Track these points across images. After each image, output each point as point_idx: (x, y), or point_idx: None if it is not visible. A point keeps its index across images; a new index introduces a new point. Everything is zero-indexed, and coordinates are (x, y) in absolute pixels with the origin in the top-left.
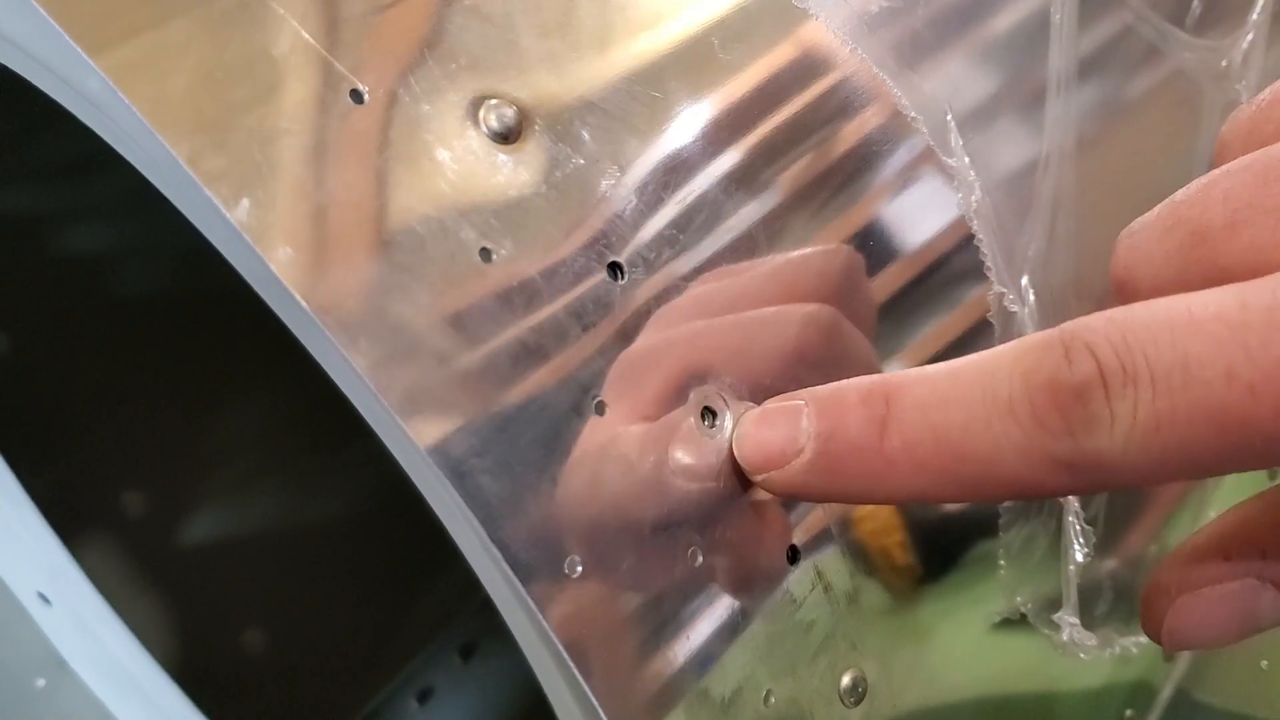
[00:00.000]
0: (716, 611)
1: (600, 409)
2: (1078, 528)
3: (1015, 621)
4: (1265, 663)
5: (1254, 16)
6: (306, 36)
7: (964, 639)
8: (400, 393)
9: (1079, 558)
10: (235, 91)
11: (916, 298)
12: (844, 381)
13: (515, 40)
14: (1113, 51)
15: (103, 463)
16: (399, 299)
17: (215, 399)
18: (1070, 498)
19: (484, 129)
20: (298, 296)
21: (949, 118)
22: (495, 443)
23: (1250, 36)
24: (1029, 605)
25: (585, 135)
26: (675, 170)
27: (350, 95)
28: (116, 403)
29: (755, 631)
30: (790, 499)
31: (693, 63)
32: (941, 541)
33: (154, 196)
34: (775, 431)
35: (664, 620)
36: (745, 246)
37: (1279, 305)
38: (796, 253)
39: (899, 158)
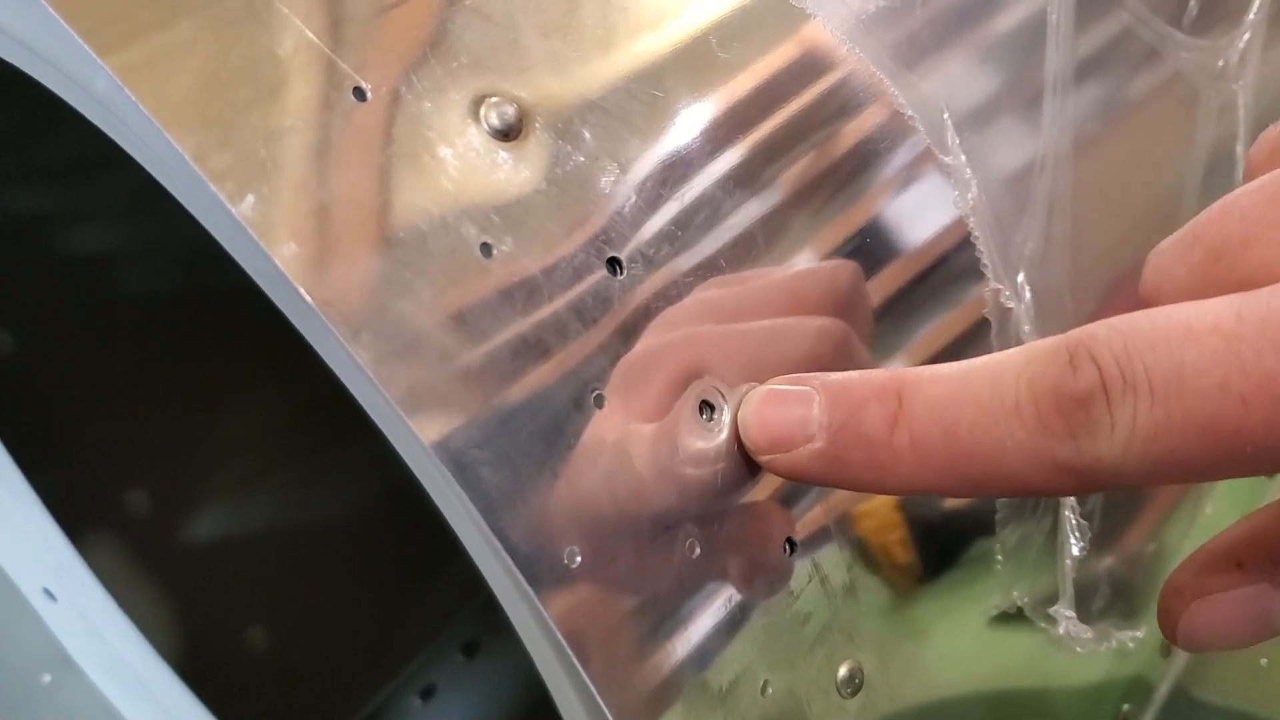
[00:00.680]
0: (714, 603)
1: (600, 402)
2: (1074, 522)
3: (1013, 617)
4: (1264, 660)
5: (1250, 17)
6: (310, 35)
7: (962, 634)
8: (402, 386)
9: (1075, 552)
10: (240, 90)
11: (914, 294)
12: (855, 374)
13: (516, 39)
14: (1109, 52)
15: (106, 461)
16: (401, 294)
17: (218, 398)
18: None
19: (485, 126)
20: (302, 291)
21: (945, 116)
22: (496, 435)
23: (1247, 37)
24: (1025, 599)
25: (585, 133)
26: (674, 168)
27: (353, 93)
28: (120, 402)
29: (752, 623)
30: (791, 481)
31: (692, 62)
32: (940, 539)
33: (158, 197)
34: (784, 414)
35: (662, 611)
36: (744, 244)
37: (1273, 317)
38: (804, 266)
39: (896, 156)
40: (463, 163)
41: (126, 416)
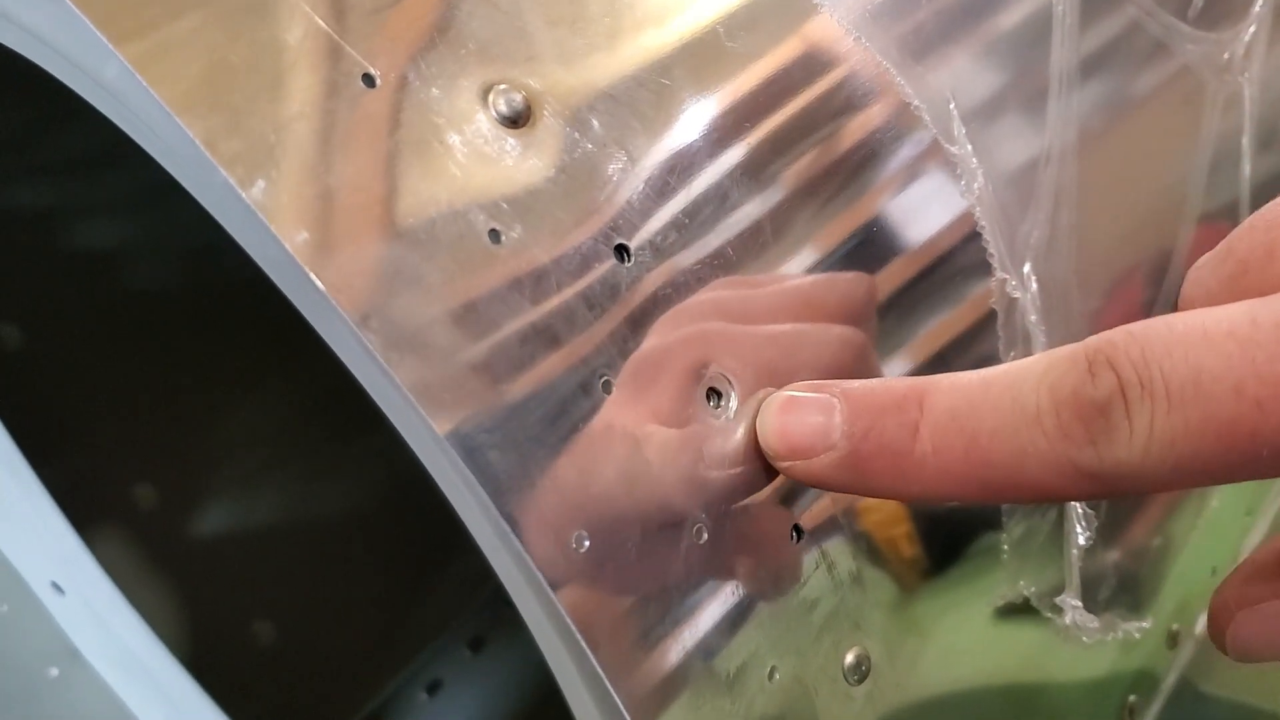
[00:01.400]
0: (722, 589)
1: (608, 389)
2: (1079, 511)
3: (1019, 609)
4: None
5: (1256, 9)
6: (320, 22)
7: (969, 627)
8: (411, 371)
9: (1081, 541)
10: (250, 77)
11: (920, 284)
12: (875, 382)
13: (524, 27)
14: (1115, 45)
15: (114, 455)
16: (409, 280)
17: (226, 393)
18: None
19: (493, 113)
20: (313, 276)
21: (952, 106)
22: (504, 420)
23: (1253, 29)
24: (1032, 589)
25: (594, 121)
26: (683, 156)
27: (362, 79)
28: (127, 396)
29: (759, 609)
30: (810, 487)
31: (700, 52)
32: (946, 533)
33: (165, 192)
34: (804, 422)
35: (670, 597)
36: (752, 234)
37: None
38: (820, 270)
39: (903, 147)
40: (471, 149)
41: (134, 411)
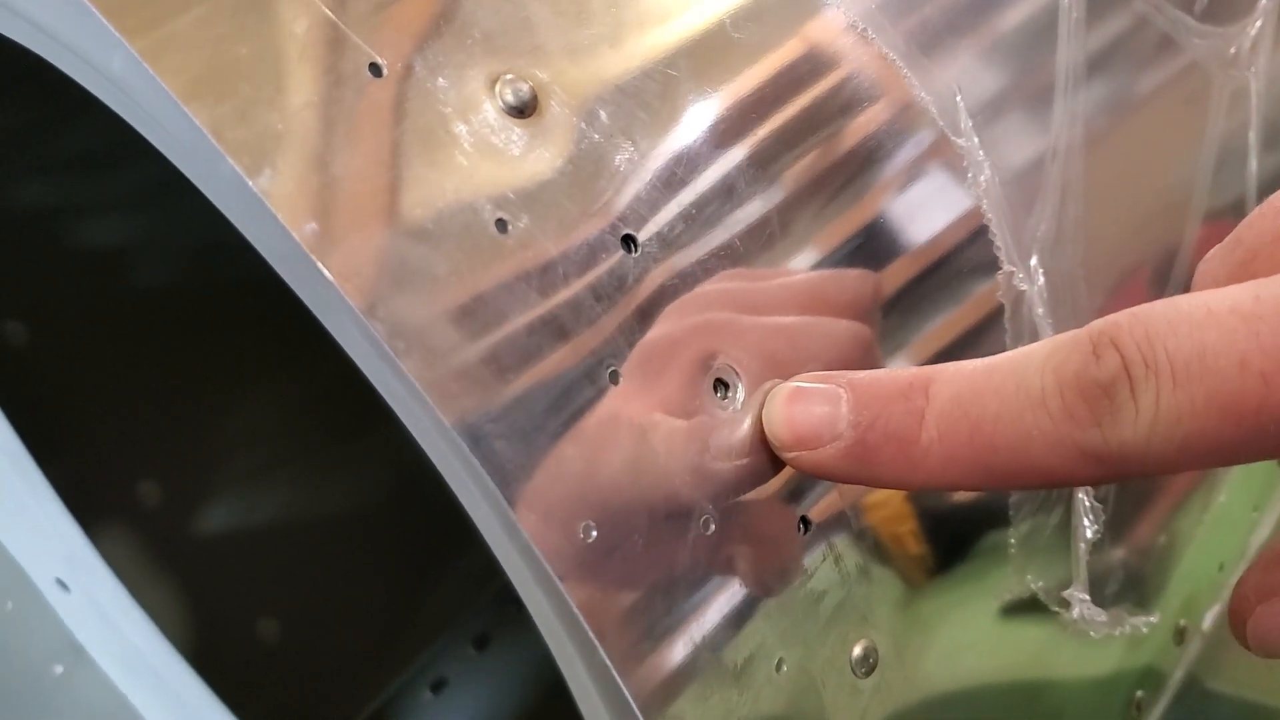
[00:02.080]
0: (729, 580)
1: (615, 379)
2: (1087, 504)
3: (1026, 605)
4: None
5: (1263, 3)
6: (327, 12)
7: (976, 623)
8: (417, 360)
9: (1089, 534)
10: (258, 66)
11: (928, 278)
12: (881, 372)
13: (530, 17)
14: (1121, 39)
15: (119, 452)
16: (416, 269)
17: (231, 390)
18: None
19: (500, 103)
20: (319, 264)
21: (959, 99)
22: (511, 409)
23: (1259, 23)
24: (1039, 584)
25: (601, 111)
26: (690, 148)
27: (369, 69)
28: (133, 393)
29: (767, 600)
30: (816, 478)
31: (707, 44)
32: (953, 529)
33: (170, 190)
34: (810, 412)
35: (677, 587)
36: (760, 226)
37: None
38: (827, 267)
39: (910, 141)
40: (478, 139)
41: (138, 408)
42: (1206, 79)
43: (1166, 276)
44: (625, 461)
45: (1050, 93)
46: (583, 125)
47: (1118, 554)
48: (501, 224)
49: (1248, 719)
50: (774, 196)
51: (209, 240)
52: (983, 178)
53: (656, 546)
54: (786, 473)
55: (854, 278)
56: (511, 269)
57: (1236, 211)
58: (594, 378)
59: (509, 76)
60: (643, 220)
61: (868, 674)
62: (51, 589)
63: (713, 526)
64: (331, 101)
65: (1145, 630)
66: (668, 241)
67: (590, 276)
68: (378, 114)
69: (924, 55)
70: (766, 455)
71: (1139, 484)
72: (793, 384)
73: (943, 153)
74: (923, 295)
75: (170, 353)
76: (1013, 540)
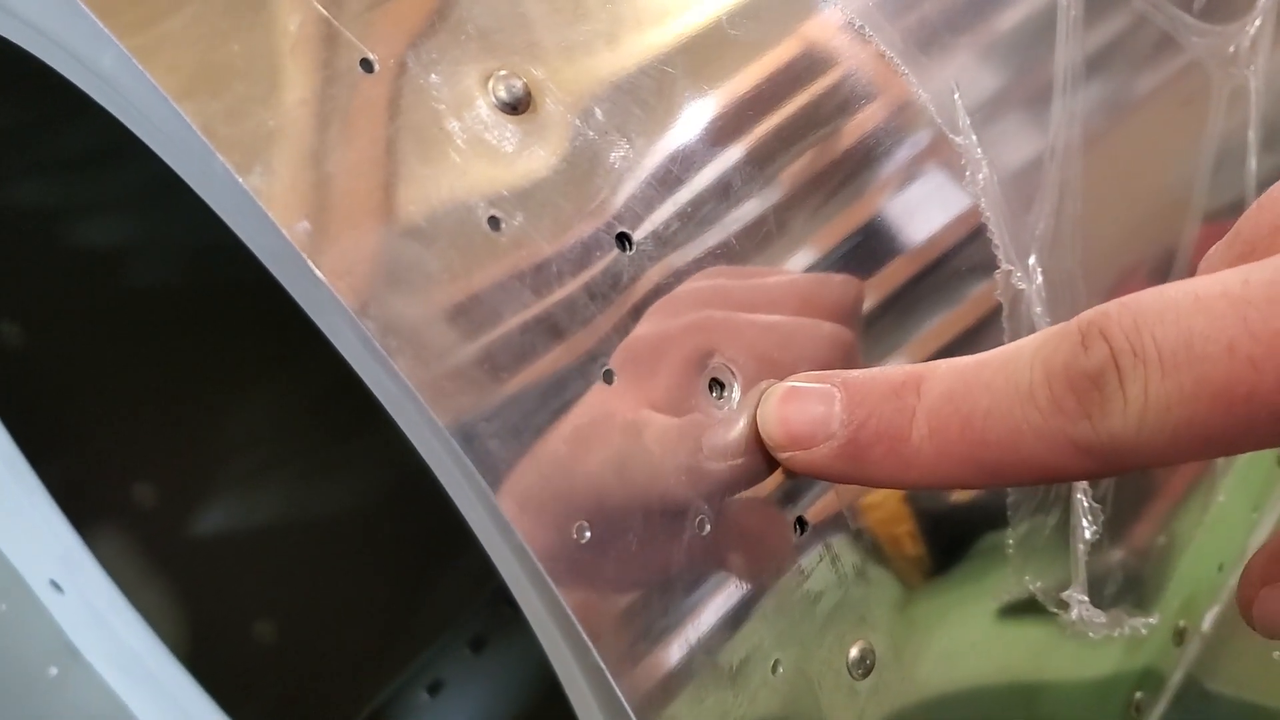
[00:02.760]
0: (724, 581)
1: (609, 377)
2: (1085, 504)
3: (1025, 606)
4: (1278, 653)
5: (1262, 1)
6: (319, 8)
7: (974, 624)
8: (409, 359)
9: (1087, 535)
10: (248, 62)
11: (925, 277)
12: (875, 371)
13: (525, 14)
14: (1120, 37)
15: (114, 454)
16: (408, 267)
17: (227, 392)
18: None
19: (493, 99)
20: (310, 263)
21: (956, 96)
22: (504, 408)
23: (1258, 22)
24: (1037, 584)
25: (595, 108)
26: (685, 145)
27: (361, 64)
28: (128, 395)
29: (763, 601)
30: (810, 478)
31: (703, 41)
32: (951, 531)
33: (166, 190)
34: (805, 412)
35: (672, 588)
36: (757, 225)
37: (1279, 280)
38: (816, 270)
39: (909, 139)
40: (471, 136)
41: (134, 409)
42: (1205, 78)
43: (1165, 275)
44: (619, 461)
45: (1049, 91)
46: (578, 122)
47: (1117, 555)
48: (495, 222)
49: None
50: (770, 195)
51: (205, 240)
52: (980, 176)
53: (651, 547)
54: (782, 473)
55: (839, 282)
56: (505, 267)
57: (1236, 211)
58: (588, 377)
59: (503, 73)
60: (638, 218)
61: (865, 675)
62: (46, 591)
63: (708, 527)
64: (323, 98)
65: (1144, 631)
66: (663, 240)
67: (584, 275)
68: (370, 111)
69: (922, 53)
70: (762, 455)
71: (1138, 484)
72: (787, 384)
73: (941, 151)
74: (920, 294)
75: (167, 353)
76: (1011, 541)
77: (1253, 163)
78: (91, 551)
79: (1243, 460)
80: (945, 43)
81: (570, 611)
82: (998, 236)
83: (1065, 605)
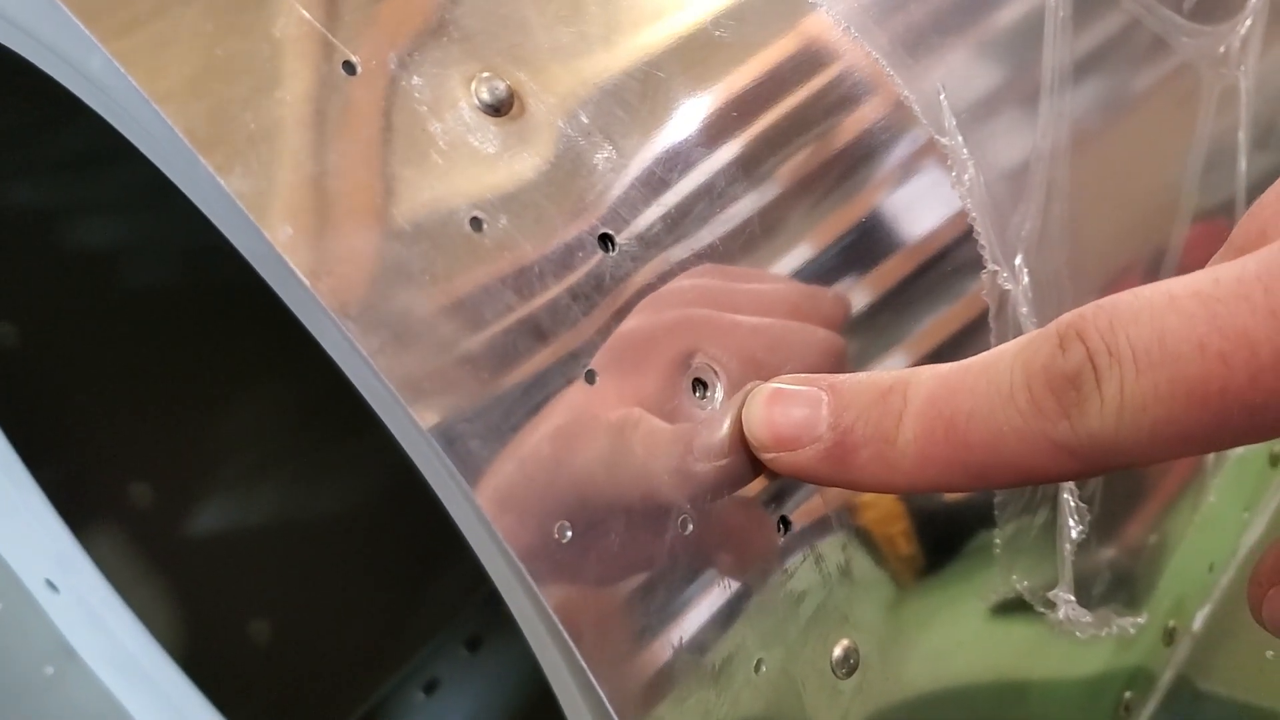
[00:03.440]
0: (707, 580)
1: (591, 378)
2: (1072, 504)
3: (1013, 605)
4: (1270, 653)
5: (1253, 2)
6: (301, 10)
7: (962, 623)
8: (390, 360)
9: (1074, 535)
10: (231, 64)
11: (912, 279)
12: (862, 375)
13: (509, 16)
14: (1110, 38)
15: (110, 454)
16: (390, 267)
17: (223, 392)
18: None
19: (476, 101)
20: (290, 262)
21: (942, 98)
22: (485, 409)
23: (1249, 22)
24: (1024, 583)
25: (580, 110)
26: (670, 147)
27: (343, 67)
28: (124, 395)
29: (746, 601)
30: (795, 479)
31: (691, 44)
32: (940, 530)
33: (160, 192)
34: (790, 414)
35: (655, 587)
36: (741, 228)
37: (1248, 277)
38: (810, 285)
39: (896, 142)
40: (453, 138)
41: (130, 409)
42: (1196, 78)
43: (1155, 276)
44: (601, 461)
45: (1037, 92)
46: (561, 124)
47: (1104, 554)
48: (477, 223)
49: None
50: (755, 197)
51: (200, 242)
52: (967, 177)
53: (633, 547)
54: (766, 474)
55: (830, 297)
56: (488, 269)
57: (1226, 212)
58: (570, 377)
59: (485, 75)
60: (621, 220)
61: (849, 675)
62: (42, 590)
63: (691, 527)
64: (306, 101)
65: (1133, 631)
66: (647, 241)
67: (567, 276)
68: (351, 112)
69: (909, 55)
70: (746, 456)
71: (1126, 484)
72: (773, 385)
73: (927, 153)
74: (907, 295)
75: (163, 354)
76: (998, 541)
77: (1243, 163)
78: (87, 551)
79: (1234, 460)
80: (933, 45)
81: (551, 611)
82: (984, 237)
83: (1052, 605)
